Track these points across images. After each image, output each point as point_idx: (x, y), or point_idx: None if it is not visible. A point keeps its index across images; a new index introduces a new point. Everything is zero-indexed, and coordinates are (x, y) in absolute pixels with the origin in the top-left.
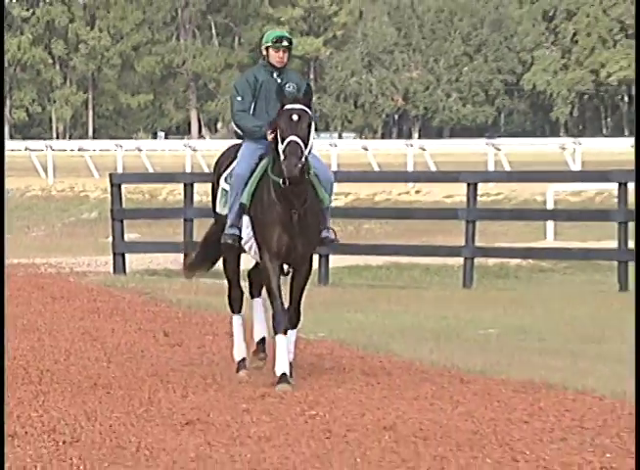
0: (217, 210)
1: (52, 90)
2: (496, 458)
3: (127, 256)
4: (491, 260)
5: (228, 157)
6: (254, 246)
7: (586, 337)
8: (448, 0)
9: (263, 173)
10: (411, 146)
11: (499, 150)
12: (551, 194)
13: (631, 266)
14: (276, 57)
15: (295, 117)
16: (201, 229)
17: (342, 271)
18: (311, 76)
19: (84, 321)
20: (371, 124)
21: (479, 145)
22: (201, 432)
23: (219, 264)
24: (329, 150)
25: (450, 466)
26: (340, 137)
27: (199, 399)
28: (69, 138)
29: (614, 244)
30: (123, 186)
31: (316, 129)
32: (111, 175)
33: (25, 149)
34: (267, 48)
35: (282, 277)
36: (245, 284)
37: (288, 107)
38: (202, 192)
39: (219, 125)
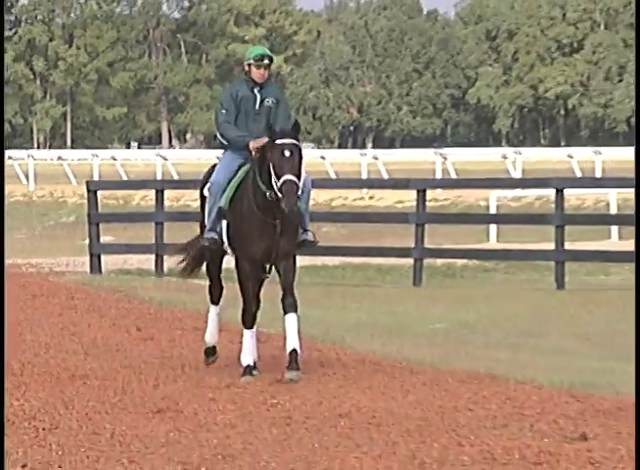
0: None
1: (33, 103)
2: (443, 443)
3: (103, 256)
4: (439, 261)
5: (212, 171)
6: None
7: (526, 331)
8: (399, 21)
9: (242, 180)
10: (365, 155)
11: (446, 159)
12: (494, 199)
13: (567, 266)
14: (257, 73)
15: (287, 154)
16: (171, 232)
17: (300, 271)
18: None
19: (63, 317)
20: (328, 135)
21: (427, 154)
22: (170, 419)
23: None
24: None
25: (401, 450)
26: None
27: (169, 388)
28: (49, 148)
29: (551, 246)
30: (99, 192)
31: None
32: (87, 182)
33: (9, 158)
34: (249, 64)
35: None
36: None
37: (279, 142)
38: (172, 198)
39: (188, 136)
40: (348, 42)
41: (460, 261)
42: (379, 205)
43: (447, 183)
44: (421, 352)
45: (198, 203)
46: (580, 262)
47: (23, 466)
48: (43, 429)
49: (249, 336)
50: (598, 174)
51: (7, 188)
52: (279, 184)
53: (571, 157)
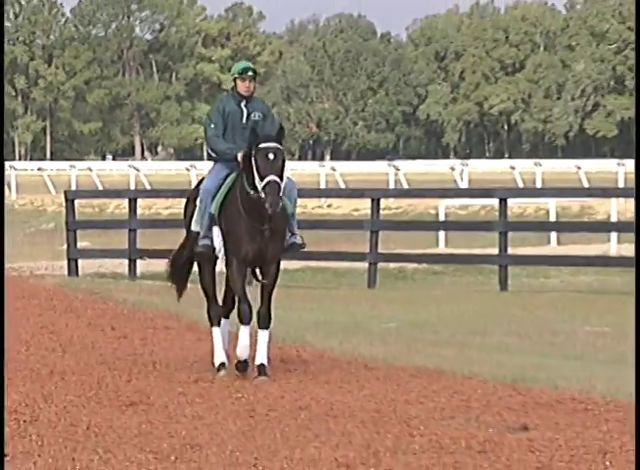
0: (192, 227)
1: (15, 119)
2: (395, 433)
3: (80, 261)
4: (392, 265)
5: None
6: None
7: (472, 330)
8: (355, 42)
9: (231, 187)
10: (323, 167)
11: (398, 170)
12: (442, 208)
13: (510, 270)
14: (242, 86)
15: (271, 156)
16: (143, 238)
17: None
18: None
19: (42, 317)
20: (289, 148)
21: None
22: (142, 412)
23: (157, 266)
24: None
25: (356, 440)
26: None
27: (141, 383)
28: (30, 160)
29: (495, 250)
30: (76, 201)
31: None
32: (65, 192)
33: None
34: (235, 79)
35: (254, 283)
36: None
37: (263, 145)
38: (144, 206)
39: (159, 149)
40: (308, 62)
41: (411, 265)
42: (336, 212)
43: (399, 193)
44: (375, 350)
45: (168, 211)
46: (522, 266)
47: (5, 455)
48: (24, 421)
49: (245, 332)
50: (538, 185)
51: None
52: (262, 185)
53: (514, 168)
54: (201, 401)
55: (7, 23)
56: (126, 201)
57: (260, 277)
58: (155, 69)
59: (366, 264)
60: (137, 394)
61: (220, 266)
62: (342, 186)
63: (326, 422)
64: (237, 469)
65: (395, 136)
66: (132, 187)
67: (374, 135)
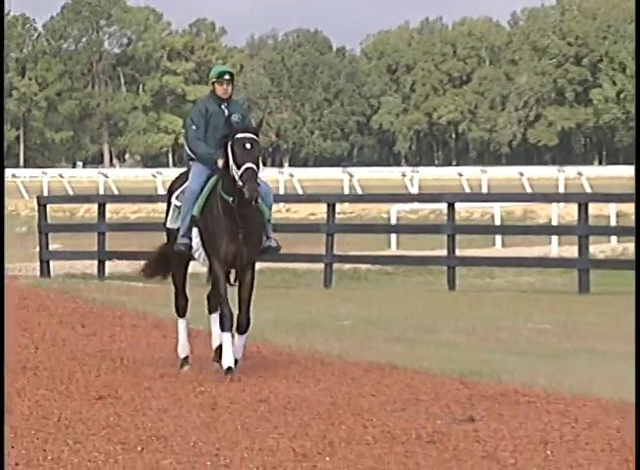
0: (168, 224)
1: None
2: (350, 425)
3: (51, 262)
4: (347, 266)
5: (180, 180)
6: (203, 254)
7: (422, 327)
8: (312, 56)
9: (212, 190)
10: (282, 173)
11: (352, 176)
12: (394, 212)
13: (457, 270)
14: (221, 89)
15: (248, 146)
16: (111, 241)
17: None
18: None
19: (16, 315)
20: None
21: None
22: (110, 405)
23: (125, 267)
24: None
25: (313, 431)
26: None
27: (109, 378)
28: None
29: (444, 252)
30: (48, 206)
31: None
32: (38, 197)
33: None
34: (213, 83)
35: (229, 286)
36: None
37: (239, 136)
38: (112, 210)
39: (127, 156)
40: (268, 75)
41: (365, 266)
42: (294, 217)
43: (354, 198)
44: (330, 346)
45: (135, 215)
46: (469, 267)
47: None
48: None
49: (228, 339)
50: (484, 190)
51: None
52: (240, 172)
53: (461, 175)
54: (166, 395)
55: None
56: (96, 205)
57: (236, 283)
58: (122, 81)
59: (322, 265)
60: (105, 388)
61: (193, 266)
62: (300, 192)
63: (284, 414)
64: (200, 459)
65: (350, 145)
66: (101, 192)
67: (330, 144)
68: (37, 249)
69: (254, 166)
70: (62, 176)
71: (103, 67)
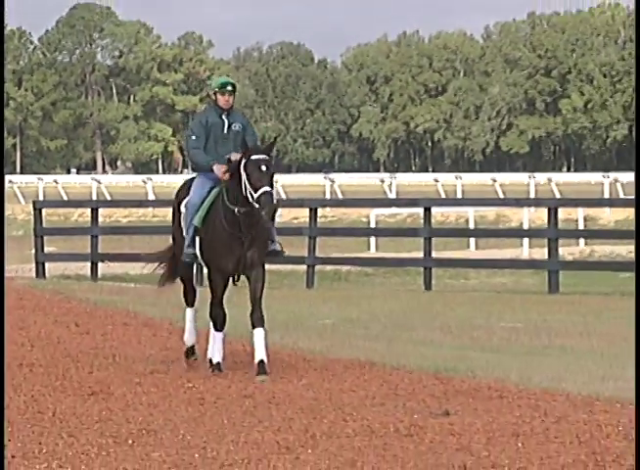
0: (184, 233)
1: None
2: (331, 419)
3: (46, 264)
4: (328, 267)
5: (184, 188)
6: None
7: (399, 325)
8: (295, 68)
9: (214, 201)
10: None
11: (334, 182)
12: (373, 216)
13: (434, 271)
14: (222, 100)
15: (263, 168)
16: (104, 244)
17: None
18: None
19: (13, 315)
20: None
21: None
22: (103, 400)
23: (117, 268)
24: None
25: (296, 425)
26: None
27: (101, 374)
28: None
29: (420, 254)
30: (44, 210)
31: None
32: (34, 202)
33: None
34: (215, 93)
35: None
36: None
37: (254, 157)
38: (105, 215)
39: (119, 163)
40: (253, 85)
41: (345, 268)
42: (278, 221)
43: (335, 203)
44: (312, 344)
45: (127, 219)
46: (444, 268)
47: None
48: None
49: (219, 337)
50: (459, 195)
51: None
52: (256, 195)
53: (437, 181)
54: (155, 391)
55: None
56: (89, 210)
57: (238, 283)
58: (115, 91)
59: (305, 267)
60: (98, 384)
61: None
62: (284, 196)
63: (268, 409)
64: (188, 452)
65: (331, 152)
66: (94, 198)
67: (312, 151)
68: (33, 251)
69: (272, 190)
70: (56, 182)
71: (96, 78)
